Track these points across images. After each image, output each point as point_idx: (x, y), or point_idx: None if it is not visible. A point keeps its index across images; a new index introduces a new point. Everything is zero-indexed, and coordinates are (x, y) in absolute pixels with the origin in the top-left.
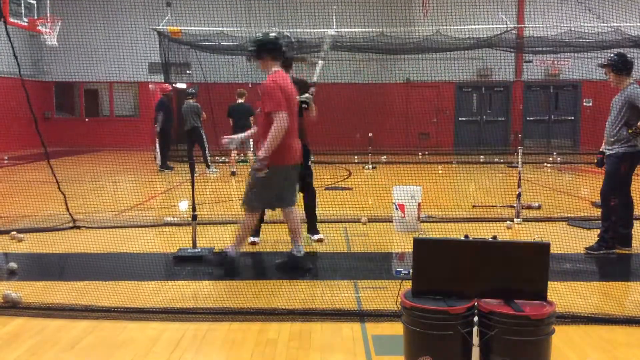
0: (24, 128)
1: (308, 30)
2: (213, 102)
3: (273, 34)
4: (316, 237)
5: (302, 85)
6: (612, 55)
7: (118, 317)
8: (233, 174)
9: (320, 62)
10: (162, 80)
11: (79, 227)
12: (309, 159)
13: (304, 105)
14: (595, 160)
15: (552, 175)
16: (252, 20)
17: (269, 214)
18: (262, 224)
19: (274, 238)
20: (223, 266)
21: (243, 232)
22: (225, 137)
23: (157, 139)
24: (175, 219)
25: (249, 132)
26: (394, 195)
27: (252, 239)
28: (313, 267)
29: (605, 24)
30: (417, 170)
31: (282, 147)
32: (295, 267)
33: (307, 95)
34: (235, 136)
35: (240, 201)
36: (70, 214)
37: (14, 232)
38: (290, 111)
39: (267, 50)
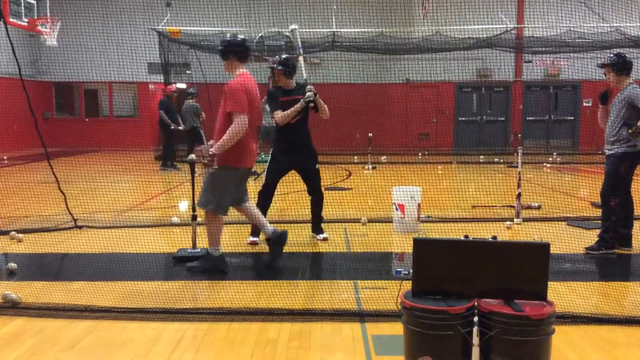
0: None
1: (308, 30)
2: (213, 102)
3: (241, 36)
4: (321, 236)
5: (305, 89)
6: (611, 55)
7: (118, 317)
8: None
9: (300, 58)
10: (162, 80)
11: (80, 227)
12: (316, 162)
13: (310, 105)
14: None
15: (551, 175)
16: (251, 21)
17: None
18: None
19: None
20: (210, 268)
21: (213, 232)
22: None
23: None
24: (179, 219)
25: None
26: (394, 195)
27: (252, 239)
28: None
29: (605, 24)
30: (416, 170)
31: (240, 150)
32: (212, 268)
33: (308, 94)
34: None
35: (197, 204)
36: (70, 214)
37: (13, 232)
38: (251, 115)
39: (234, 51)
